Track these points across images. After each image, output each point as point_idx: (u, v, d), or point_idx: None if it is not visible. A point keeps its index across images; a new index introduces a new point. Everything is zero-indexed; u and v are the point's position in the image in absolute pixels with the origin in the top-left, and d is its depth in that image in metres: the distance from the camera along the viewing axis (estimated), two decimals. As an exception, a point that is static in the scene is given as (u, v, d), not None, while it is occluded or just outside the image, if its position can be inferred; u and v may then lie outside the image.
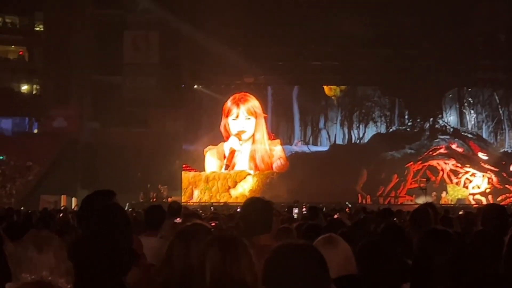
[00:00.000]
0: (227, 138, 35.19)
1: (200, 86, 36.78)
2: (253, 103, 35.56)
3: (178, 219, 7.57)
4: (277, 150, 35.55)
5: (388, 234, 5.19)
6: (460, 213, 14.57)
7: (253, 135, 35.34)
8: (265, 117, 35.71)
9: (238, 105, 35.36)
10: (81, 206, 5.18)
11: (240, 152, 34.93)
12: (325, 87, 37.18)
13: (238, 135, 34.85)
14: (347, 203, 28.98)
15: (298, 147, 36.94)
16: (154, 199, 31.19)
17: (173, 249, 3.56)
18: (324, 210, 15.72)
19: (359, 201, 33.45)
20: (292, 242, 2.73)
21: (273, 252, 2.70)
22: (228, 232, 3.66)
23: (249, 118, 35.36)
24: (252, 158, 35.16)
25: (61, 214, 14.02)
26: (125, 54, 36.10)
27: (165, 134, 35.23)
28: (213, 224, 6.44)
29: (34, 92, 40.25)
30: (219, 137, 35.29)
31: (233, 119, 35.27)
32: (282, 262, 2.62)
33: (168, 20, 34.01)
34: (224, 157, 34.77)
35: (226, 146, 34.85)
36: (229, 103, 35.43)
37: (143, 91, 35.49)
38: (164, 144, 34.43)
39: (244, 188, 34.11)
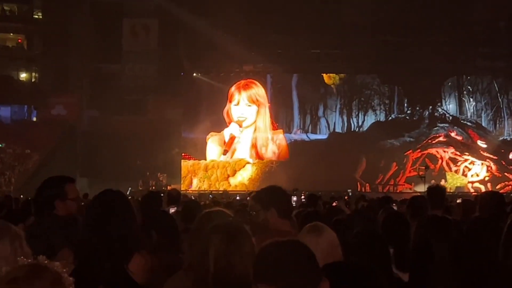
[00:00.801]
0: (229, 124, 35.17)
1: (199, 74, 36.73)
2: (257, 90, 35.50)
3: (174, 208, 7.58)
4: (280, 140, 35.54)
5: (389, 222, 5.20)
6: (458, 201, 14.59)
7: (255, 122, 35.30)
8: (269, 106, 35.65)
9: (240, 92, 35.33)
10: (37, 192, 5.21)
11: (240, 139, 34.90)
12: (324, 75, 37.14)
13: (239, 121, 34.83)
14: (348, 191, 29.09)
15: (297, 135, 36.94)
16: (153, 187, 31.23)
17: (193, 233, 3.56)
18: (322, 198, 15.76)
19: (358, 189, 33.55)
20: (281, 239, 2.75)
21: (262, 249, 2.72)
22: (231, 220, 3.64)
23: (250, 105, 35.33)
24: (253, 146, 35.16)
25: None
26: (124, 42, 36.09)
27: (164, 122, 35.23)
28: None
29: (33, 80, 40.23)
30: (218, 125, 35.26)
31: (235, 105, 35.27)
32: (272, 259, 2.61)
33: (167, 7, 33.96)
34: (224, 143, 34.75)
35: (226, 132, 34.81)
36: (233, 88, 35.39)
37: (142, 79, 35.50)
38: (163, 132, 34.44)
39: (243, 177, 34.15)
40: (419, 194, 12.22)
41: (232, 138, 34.57)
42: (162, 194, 8.57)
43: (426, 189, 7.66)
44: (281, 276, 2.56)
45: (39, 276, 2.34)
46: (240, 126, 34.83)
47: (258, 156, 35.07)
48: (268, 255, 2.65)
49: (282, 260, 2.61)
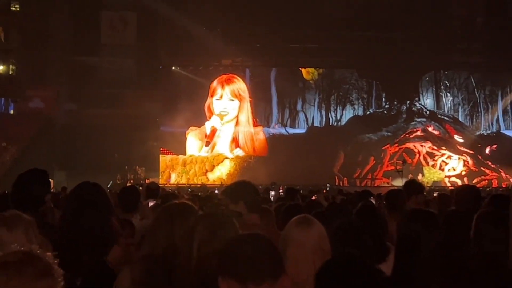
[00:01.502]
0: (210, 118, 35.14)
1: (178, 68, 36.65)
2: (239, 85, 35.50)
3: (153, 201, 7.58)
4: (259, 135, 35.60)
5: (363, 215, 5.25)
6: (435, 194, 14.72)
7: (237, 117, 35.31)
8: (250, 101, 35.65)
9: (222, 86, 35.31)
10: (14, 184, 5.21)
11: (221, 132, 34.89)
12: (302, 71, 37.20)
13: (220, 115, 34.80)
14: (327, 185, 29.17)
15: (276, 129, 36.99)
16: (132, 181, 31.13)
17: (158, 225, 3.60)
18: (301, 192, 15.81)
19: (336, 183, 33.64)
20: (245, 233, 2.80)
21: (226, 243, 2.76)
22: (217, 209, 3.69)
23: (232, 100, 35.31)
24: (234, 140, 35.16)
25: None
26: (103, 35, 35.87)
27: (142, 116, 35.08)
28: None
29: (10, 72, 39.83)
30: (196, 119, 35.21)
31: (217, 99, 35.23)
32: (235, 252, 2.68)
33: (145, 1, 33.80)
34: (206, 136, 34.70)
35: (207, 125, 34.75)
36: (215, 83, 35.36)
37: (121, 72, 35.30)
38: (142, 125, 34.31)
39: (222, 172, 34.13)
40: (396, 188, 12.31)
41: (214, 130, 34.53)
42: (140, 188, 8.57)
43: (403, 183, 7.76)
44: (241, 269, 2.61)
45: (30, 264, 2.35)
46: (222, 120, 34.83)
47: (239, 147, 35.05)
48: (230, 248, 2.71)
49: (242, 253, 2.66)
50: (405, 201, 6.93)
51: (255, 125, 35.73)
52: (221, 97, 35.23)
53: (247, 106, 35.48)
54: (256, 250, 2.68)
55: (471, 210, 4.85)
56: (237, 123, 35.30)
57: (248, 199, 4.75)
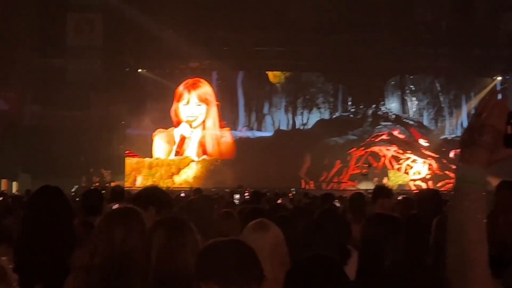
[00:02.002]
0: (177, 123, 35.04)
1: (145, 70, 36.50)
2: (205, 89, 35.47)
3: (117, 204, 7.56)
4: (227, 138, 35.58)
5: (324, 217, 5.29)
6: (399, 198, 14.82)
7: (204, 121, 35.28)
8: (217, 105, 35.64)
9: (189, 91, 35.26)
10: None
11: (190, 139, 34.85)
12: (269, 74, 37.26)
13: (188, 121, 34.76)
14: (292, 189, 29.25)
15: (243, 132, 37.01)
16: (97, 184, 30.91)
17: (98, 233, 3.58)
18: (268, 195, 15.83)
19: (303, 186, 33.77)
20: (223, 239, 2.80)
21: (205, 247, 2.76)
22: (175, 215, 3.68)
23: (200, 105, 35.25)
24: (202, 144, 35.11)
25: (1, 198, 13.84)
26: (68, 37, 35.56)
27: (108, 118, 34.85)
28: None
29: (-27, 74, 39.37)
30: (163, 122, 35.11)
31: (184, 105, 35.14)
32: (214, 256, 2.67)
33: (112, 3, 33.60)
34: (174, 143, 34.62)
35: (176, 132, 34.68)
36: (181, 87, 35.29)
37: (87, 74, 34.99)
38: (108, 128, 34.09)
39: (188, 175, 34.06)
40: (361, 191, 12.40)
41: (183, 139, 34.52)
42: (103, 191, 8.53)
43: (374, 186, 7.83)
44: (225, 273, 2.60)
45: None
46: (191, 126, 34.80)
47: (206, 154, 35.04)
48: (212, 253, 2.70)
49: (225, 257, 2.65)
50: (367, 204, 7.00)
51: (222, 127, 35.73)
52: (188, 102, 35.16)
53: (213, 110, 35.48)
54: (238, 254, 2.68)
55: (432, 214, 4.92)
56: (204, 128, 35.28)
57: (158, 204, 4.77)
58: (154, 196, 4.93)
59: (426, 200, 5.96)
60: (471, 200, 1.86)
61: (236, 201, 13.00)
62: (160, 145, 34.93)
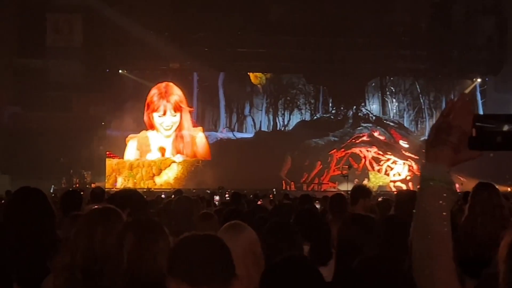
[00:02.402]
0: (151, 127, 34.89)
1: (125, 71, 36.37)
2: (179, 96, 35.09)
3: (96, 206, 7.53)
4: (199, 137, 35.45)
5: (300, 219, 5.33)
6: (380, 199, 14.90)
7: (179, 126, 35.21)
8: (190, 111, 35.52)
9: (165, 101, 34.89)
10: None
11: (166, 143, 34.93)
12: (250, 75, 37.31)
13: (169, 136, 34.83)
14: (273, 189, 29.30)
15: (224, 133, 37.00)
16: (77, 185, 30.80)
17: (78, 233, 3.58)
18: (250, 196, 15.88)
19: (284, 187, 33.80)
20: (197, 233, 2.79)
21: (177, 242, 2.75)
22: (145, 217, 3.68)
23: (175, 115, 35.11)
24: (175, 146, 35.04)
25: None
26: (48, 37, 35.38)
27: (88, 119, 34.73)
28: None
29: (-48, 74, 39.08)
30: (143, 123, 35.00)
31: (160, 116, 34.91)
32: (186, 252, 2.66)
33: (92, 3, 33.48)
34: (148, 146, 34.65)
35: (153, 142, 34.66)
36: (155, 98, 34.89)
37: (66, 75, 34.85)
38: (88, 129, 33.95)
39: (169, 176, 33.98)
40: (342, 192, 12.45)
41: (163, 152, 34.67)
42: (82, 192, 8.51)
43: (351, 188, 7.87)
44: (194, 272, 2.60)
45: None
46: (169, 137, 34.87)
47: (182, 154, 34.99)
48: (182, 249, 2.69)
49: (195, 255, 2.65)
50: (347, 205, 7.04)
51: (194, 126, 35.63)
52: (164, 113, 34.90)
53: (187, 116, 35.35)
54: (209, 252, 2.67)
55: (411, 216, 4.95)
56: (179, 131, 35.18)
57: (133, 206, 4.78)
58: (128, 198, 4.94)
59: (404, 201, 5.99)
60: (435, 198, 1.92)
61: (217, 202, 13.01)
62: (132, 151, 34.79)
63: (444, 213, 1.89)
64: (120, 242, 3.16)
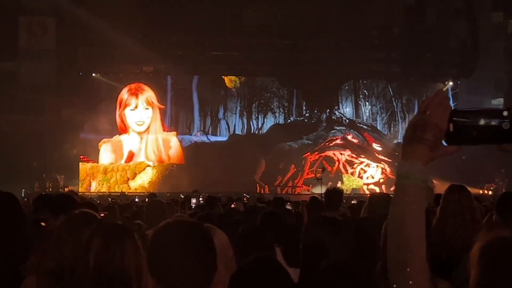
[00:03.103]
0: (123, 130, 34.78)
1: (98, 74, 36.22)
2: (151, 93, 35.29)
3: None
4: (173, 141, 35.40)
5: (265, 221, 5.37)
6: (353, 202, 14.97)
7: (149, 125, 35.13)
8: (160, 108, 35.49)
9: (136, 96, 34.99)
10: None
11: (140, 149, 34.79)
12: (225, 79, 37.33)
13: (139, 126, 34.64)
14: (245, 195, 29.30)
15: (198, 137, 36.96)
16: (50, 189, 30.57)
17: (60, 237, 3.58)
18: (222, 199, 15.85)
19: (258, 190, 33.82)
20: (179, 219, 2.74)
21: (159, 228, 2.71)
22: (114, 221, 3.67)
23: (147, 108, 35.10)
24: (146, 149, 34.95)
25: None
26: (21, 40, 35.12)
27: (62, 122, 34.48)
28: (102, 215, 6.43)
29: None
30: (117, 127, 34.86)
31: (131, 110, 34.89)
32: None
33: (65, 6, 33.27)
34: (121, 151, 34.51)
35: (125, 146, 34.54)
36: (125, 95, 34.90)
37: (39, 78, 34.61)
38: (61, 132, 33.71)
39: (144, 180, 33.86)
40: (316, 195, 12.51)
41: (131, 155, 34.49)
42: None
43: (324, 191, 7.89)
44: (172, 278, 2.58)
45: None
46: (141, 134, 34.71)
47: (148, 158, 34.90)
48: (161, 252, 2.66)
49: (173, 260, 2.62)
50: (322, 208, 7.08)
51: (166, 131, 35.63)
52: (136, 107, 34.90)
53: (157, 114, 35.35)
54: (188, 257, 2.63)
55: (383, 218, 4.99)
56: (148, 132, 35.08)
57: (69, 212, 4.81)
58: (66, 204, 4.95)
59: (376, 204, 6.03)
60: (410, 196, 1.90)
61: (193, 205, 13.01)
62: (106, 154, 34.66)
63: (419, 212, 1.91)
64: (87, 246, 3.15)
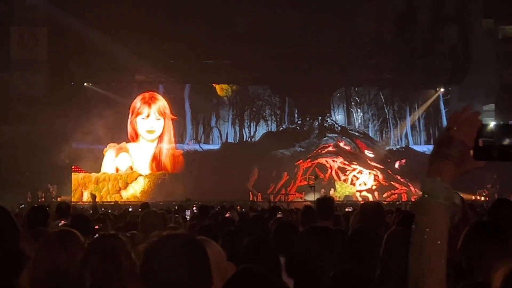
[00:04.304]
0: (133, 138, 34.88)
1: (90, 84, 36.18)
2: (163, 103, 35.41)
3: (63, 221, 7.50)
4: (178, 152, 35.61)
5: (280, 232, 5.37)
6: (347, 209, 14.99)
7: (161, 135, 35.22)
8: (173, 119, 35.58)
9: (149, 105, 35.12)
10: None
11: (145, 155, 34.91)
12: (216, 87, 37.31)
13: (150, 133, 34.88)
14: (239, 202, 29.25)
15: (190, 145, 36.93)
16: (43, 199, 30.49)
17: (40, 251, 3.61)
18: (217, 208, 15.88)
19: (251, 198, 33.80)
20: (174, 233, 2.74)
21: (153, 242, 2.70)
22: (109, 238, 3.67)
23: (159, 119, 35.19)
24: (155, 158, 35.00)
25: None
26: (12, 50, 35.07)
27: (54, 132, 34.37)
28: (96, 227, 6.45)
29: None
30: (110, 136, 34.80)
31: (143, 118, 34.98)
32: (161, 253, 2.60)
33: (57, 16, 33.25)
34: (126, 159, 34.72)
35: (132, 154, 34.69)
36: (138, 103, 35.10)
37: (31, 88, 34.55)
38: (53, 142, 33.60)
39: (136, 189, 33.82)
40: (309, 203, 12.53)
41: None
42: (48, 208, 8.45)
43: (315, 200, 7.89)
44: (168, 272, 2.57)
45: None
46: (151, 142, 34.88)
47: (159, 168, 34.92)
48: (157, 250, 2.64)
49: (170, 255, 2.60)
50: (316, 216, 7.09)
51: (176, 142, 35.81)
52: (148, 116, 35.04)
53: (169, 124, 35.45)
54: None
55: (376, 227, 5.01)
56: (160, 141, 35.19)
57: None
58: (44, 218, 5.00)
59: (369, 213, 6.05)
60: (433, 214, 1.90)
61: (187, 217, 12.93)
62: (109, 161, 34.65)
63: (441, 230, 1.90)
64: (84, 260, 3.17)
